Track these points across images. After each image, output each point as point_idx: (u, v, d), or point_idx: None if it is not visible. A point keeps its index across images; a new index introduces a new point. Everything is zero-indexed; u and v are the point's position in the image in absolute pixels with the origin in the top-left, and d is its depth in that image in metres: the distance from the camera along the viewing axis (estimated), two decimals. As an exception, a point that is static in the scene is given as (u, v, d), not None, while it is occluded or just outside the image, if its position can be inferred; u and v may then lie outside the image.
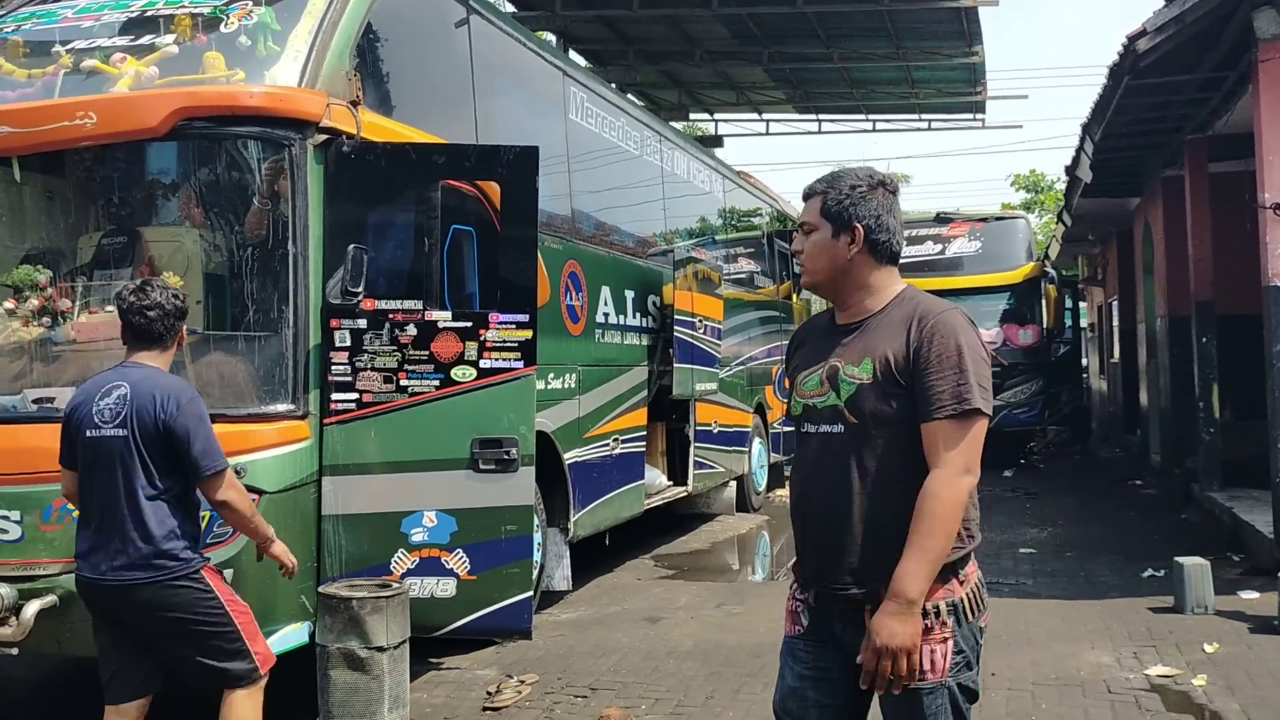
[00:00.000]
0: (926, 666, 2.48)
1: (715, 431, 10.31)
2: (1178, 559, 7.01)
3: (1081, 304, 22.84)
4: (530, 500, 5.55)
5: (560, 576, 7.32)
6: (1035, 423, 16.29)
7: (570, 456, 7.42)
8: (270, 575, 4.74)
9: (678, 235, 10.31)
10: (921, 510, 2.43)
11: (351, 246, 5.22)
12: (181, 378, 4.07)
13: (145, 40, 5.33)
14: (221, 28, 5.31)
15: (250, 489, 3.92)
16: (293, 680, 4.70)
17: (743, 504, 11.71)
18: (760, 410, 12.14)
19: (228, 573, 4.32)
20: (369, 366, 5.29)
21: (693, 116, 20.90)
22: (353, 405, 5.26)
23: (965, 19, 14.01)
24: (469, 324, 5.36)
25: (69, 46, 5.37)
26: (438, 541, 5.35)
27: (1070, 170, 12.05)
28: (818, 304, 13.43)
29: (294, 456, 5.08)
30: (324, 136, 5.21)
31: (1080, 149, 10.56)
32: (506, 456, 5.33)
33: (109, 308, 5.34)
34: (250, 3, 5.35)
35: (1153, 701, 5.23)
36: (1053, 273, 17.18)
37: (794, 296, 14.29)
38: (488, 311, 5.41)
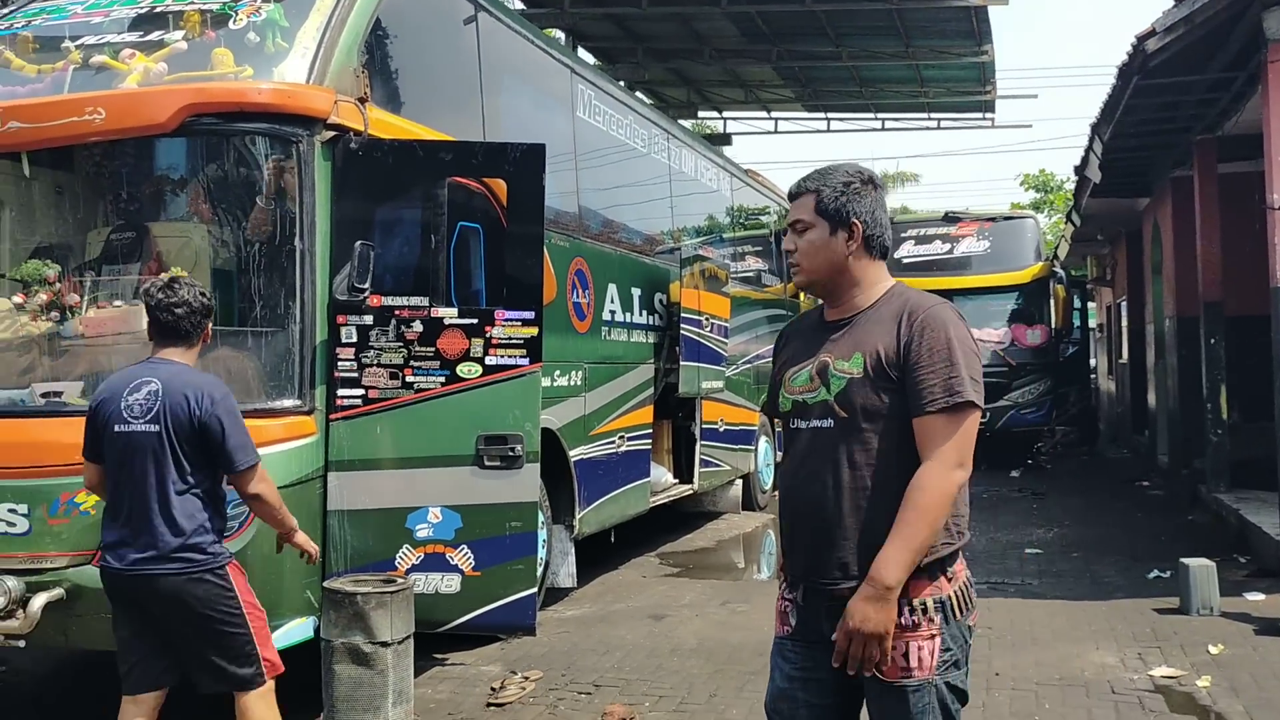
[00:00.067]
0: (914, 664, 2.47)
1: (721, 430, 10.31)
2: (1183, 560, 7.00)
3: (1090, 304, 22.79)
4: (535, 497, 5.56)
5: (565, 573, 7.34)
6: (1043, 423, 16.26)
7: (576, 453, 7.43)
8: (276, 569, 4.77)
9: (685, 233, 10.31)
10: (909, 500, 2.43)
11: (358, 243, 5.24)
12: (211, 374, 4.10)
13: (154, 36, 5.35)
14: (230, 24, 5.33)
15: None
16: (297, 675, 4.71)
17: (748, 502, 11.72)
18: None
19: None
20: (375, 363, 5.30)
21: (701, 114, 20.89)
22: (359, 401, 5.28)
23: (975, 18, 13.98)
24: (475, 321, 5.37)
25: (79, 42, 5.39)
26: (442, 537, 5.36)
27: (1079, 170, 12.01)
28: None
29: (300, 452, 5.10)
30: (331, 133, 5.23)
31: (1089, 149, 10.54)
32: (512, 453, 5.34)
33: (117, 303, 5.37)
34: (259, 0, 5.36)
35: (1156, 702, 5.22)
36: (1061, 273, 17.15)
37: (801, 295, 14.28)
38: (494, 308, 5.42)
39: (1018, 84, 44.06)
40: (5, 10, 5.80)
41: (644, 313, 8.92)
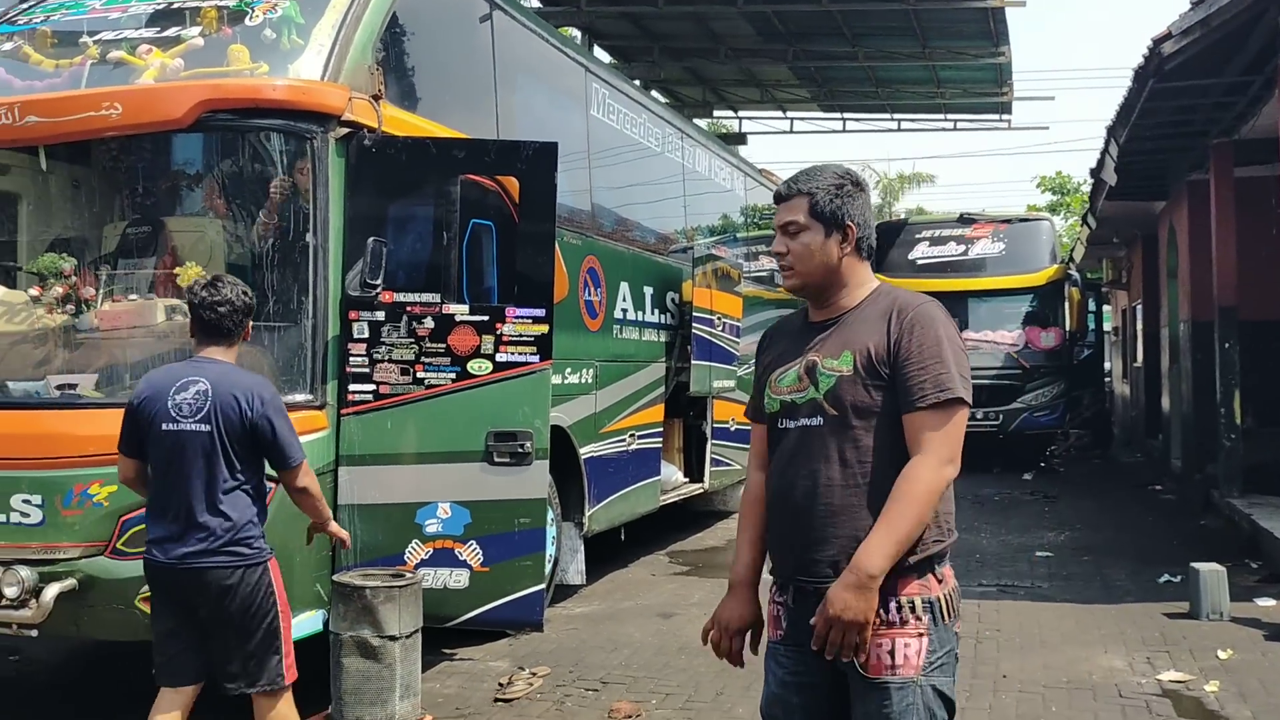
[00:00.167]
0: (899, 661, 2.46)
1: (732, 429, 10.31)
2: (1194, 564, 6.99)
3: (1105, 307, 22.69)
4: (543, 494, 5.59)
5: (574, 570, 7.36)
6: (1056, 426, 16.21)
7: (586, 451, 7.45)
8: (286, 563, 4.79)
9: (698, 232, 10.32)
10: (897, 492, 2.43)
11: (371, 239, 5.27)
12: (256, 374, 4.19)
13: (171, 32, 5.39)
14: (246, 21, 5.36)
15: (266, 478, 3.99)
16: (306, 668, 4.74)
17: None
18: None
19: None
20: (386, 358, 5.34)
21: (717, 113, 20.89)
22: (370, 396, 5.31)
23: (992, 19, 13.94)
24: (486, 318, 5.40)
25: (96, 37, 5.43)
26: (451, 533, 5.39)
27: (1095, 173, 11.99)
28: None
29: (311, 446, 5.09)
30: (346, 130, 5.26)
31: (1105, 152, 10.51)
32: (521, 450, 5.37)
33: (132, 296, 5.41)
34: (275, -4, 5.39)
35: (1164, 707, 5.22)
36: (1076, 275, 17.08)
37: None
38: (504, 305, 5.45)
39: (1035, 85, 43.88)
40: (24, 5, 5.84)
41: (656, 311, 8.93)
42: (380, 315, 5.34)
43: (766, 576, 2.76)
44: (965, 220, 16.49)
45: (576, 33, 15.26)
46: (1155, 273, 16.23)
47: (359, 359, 5.33)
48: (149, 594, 3.98)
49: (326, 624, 4.97)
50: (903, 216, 26.60)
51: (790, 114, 20.09)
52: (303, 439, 5.02)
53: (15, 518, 4.81)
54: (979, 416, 15.16)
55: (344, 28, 5.39)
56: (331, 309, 5.25)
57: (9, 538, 4.80)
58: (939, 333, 2.50)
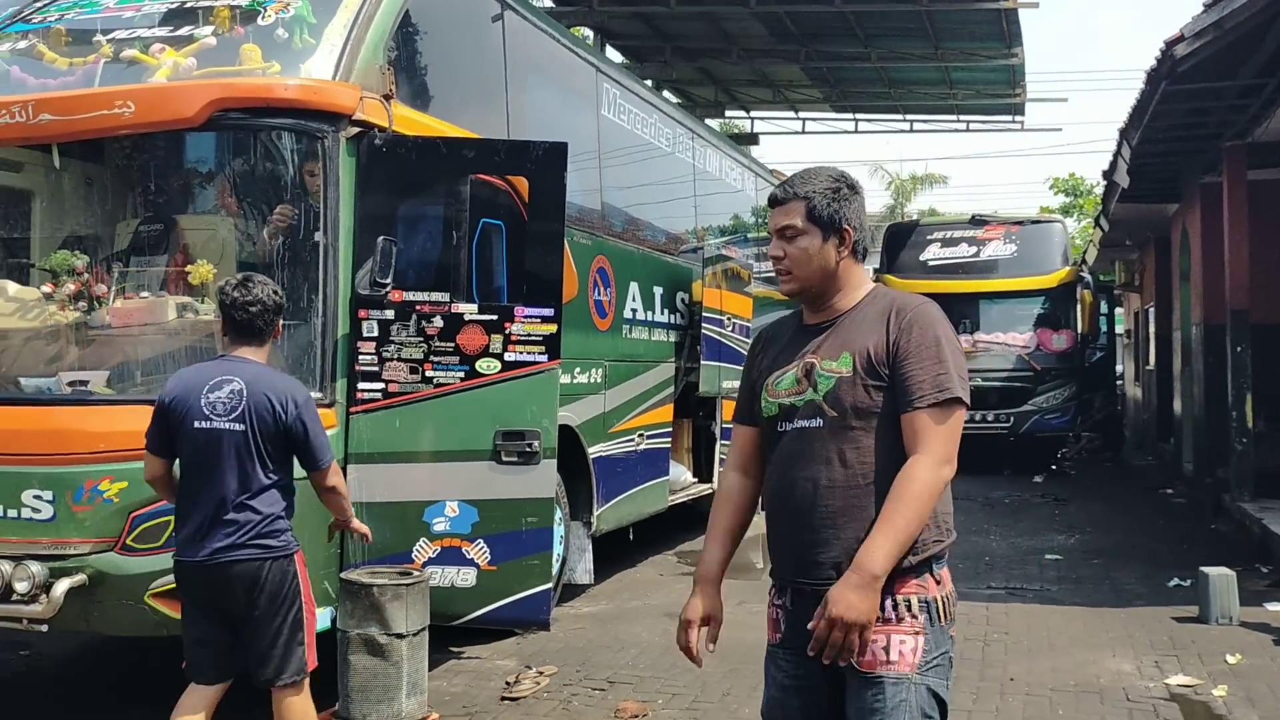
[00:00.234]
0: (894, 657, 2.46)
1: (742, 430, 10.30)
2: (1203, 569, 6.97)
3: (1118, 310, 22.62)
4: (551, 493, 5.60)
5: (582, 570, 7.37)
6: (1067, 429, 16.15)
7: (595, 451, 7.46)
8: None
9: (709, 232, 10.33)
10: (897, 491, 2.42)
11: (381, 238, 5.28)
12: (290, 376, 4.27)
13: (184, 31, 5.41)
14: (259, 20, 5.38)
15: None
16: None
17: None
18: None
19: None
20: (395, 357, 5.35)
21: (729, 114, 20.88)
22: (379, 395, 5.32)
23: (1005, 20, 13.90)
24: (494, 317, 5.41)
25: (110, 36, 5.46)
26: (459, 531, 5.41)
27: (1107, 175, 11.95)
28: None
29: (320, 444, 5.15)
30: (356, 129, 5.27)
31: (1117, 154, 10.48)
32: (529, 449, 5.38)
33: (144, 294, 5.44)
34: (287, -5, 5.41)
35: (1171, 711, 5.21)
36: (1088, 277, 17.02)
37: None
38: (513, 305, 5.46)
39: (1048, 87, 43.91)
40: (39, 3, 5.87)
41: (665, 311, 8.94)
42: (389, 314, 5.36)
43: (767, 579, 2.75)
44: (977, 222, 16.45)
45: (589, 33, 15.27)
46: (1168, 275, 16.17)
47: (368, 357, 5.35)
48: (178, 596, 4.04)
49: (334, 621, 4.99)
50: (915, 218, 26.57)
51: (802, 114, 20.07)
52: (312, 437, 5.09)
53: (26, 513, 4.84)
54: (990, 418, 15.14)
55: (356, 27, 5.41)
56: (341, 307, 5.26)
57: (20, 533, 4.83)
58: (937, 333, 2.51)
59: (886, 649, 2.47)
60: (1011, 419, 15.26)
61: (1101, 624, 6.86)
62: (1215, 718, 5.15)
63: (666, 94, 15.85)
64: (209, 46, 5.29)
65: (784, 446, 2.61)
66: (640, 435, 8.26)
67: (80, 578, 4.73)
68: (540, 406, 5.43)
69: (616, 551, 8.68)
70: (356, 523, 4.29)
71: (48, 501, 4.84)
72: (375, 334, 5.35)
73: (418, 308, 5.38)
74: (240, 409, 3.81)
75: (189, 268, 5.32)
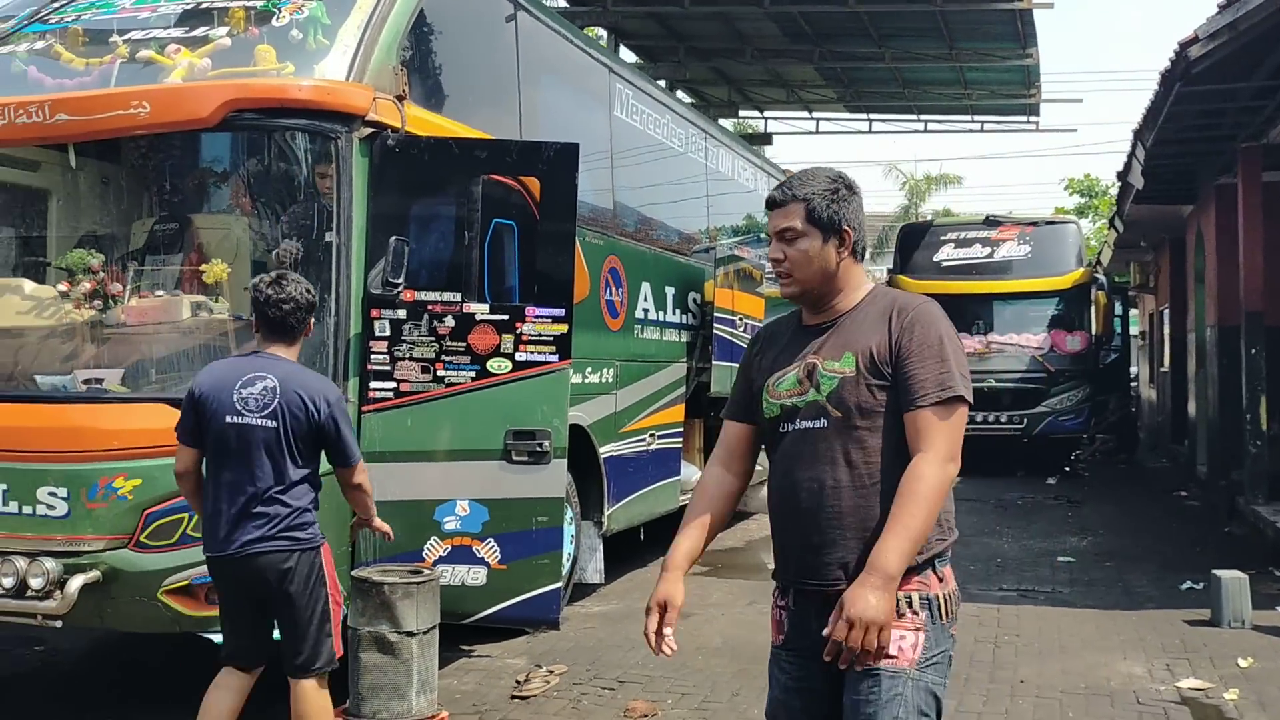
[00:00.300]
0: (894, 652, 2.46)
1: (753, 430, 10.31)
2: (1216, 572, 6.95)
3: (1132, 311, 22.52)
4: (561, 493, 5.62)
5: (593, 569, 7.39)
6: (1081, 430, 16.08)
7: (606, 450, 7.48)
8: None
9: (721, 232, 10.33)
10: (906, 491, 2.42)
11: (393, 238, 5.31)
12: (321, 375, 4.41)
13: (199, 32, 5.44)
14: (273, 21, 5.40)
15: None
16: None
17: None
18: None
19: None
20: (407, 356, 5.38)
21: (742, 114, 20.89)
22: (390, 394, 5.35)
23: (1019, 21, 13.88)
24: (506, 317, 5.43)
25: (126, 37, 5.49)
26: (470, 530, 5.43)
27: (1122, 176, 11.91)
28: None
29: (332, 443, 5.17)
30: (369, 130, 5.30)
31: (1132, 155, 10.45)
32: (539, 449, 5.40)
33: (159, 292, 5.48)
34: (302, -3, 5.44)
35: (1182, 714, 5.20)
36: (1103, 279, 16.95)
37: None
38: (524, 305, 5.48)
39: (1063, 87, 43.75)
40: (56, 4, 5.92)
41: (677, 311, 8.95)
42: (402, 313, 5.38)
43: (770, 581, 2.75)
44: (991, 222, 16.39)
45: (602, 33, 15.29)
46: (1182, 277, 16.10)
47: (380, 357, 5.38)
48: (214, 587, 4.19)
49: (345, 619, 5.02)
50: (929, 218, 26.50)
51: (816, 114, 20.06)
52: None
53: (41, 510, 4.88)
54: (1003, 420, 15.10)
55: (369, 28, 5.43)
56: (354, 307, 5.29)
57: (35, 529, 4.87)
58: (939, 331, 2.52)
59: (887, 644, 2.45)
60: (1025, 420, 15.21)
61: (1113, 626, 6.84)
62: (1226, 721, 5.14)
63: (680, 94, 15.85)
64: (224, 47, 5.33)
65: (786, 448, 2.61)
66: (651, 435, 8.27)
67: (94, 574, 4.77)
68: (551, 406, 5.45)
69: (627, 551, 8.69)
70: (379, 521, 4.38)
71: (62, 498, 4.88)
72: (387, 333, 5.38)
73: (429, 307, 5.41)
74: (273, 406, 3.90)
75: (203, 267, 5.36)
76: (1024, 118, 19.04)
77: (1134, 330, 22.99)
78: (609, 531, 7.55)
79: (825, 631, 2.42)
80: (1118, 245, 17.36)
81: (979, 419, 14.84)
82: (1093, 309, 15.95)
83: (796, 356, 2.62)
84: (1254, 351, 10.23)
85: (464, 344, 5.40)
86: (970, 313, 15.46)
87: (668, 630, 2.64)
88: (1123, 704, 5.35)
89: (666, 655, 2.66)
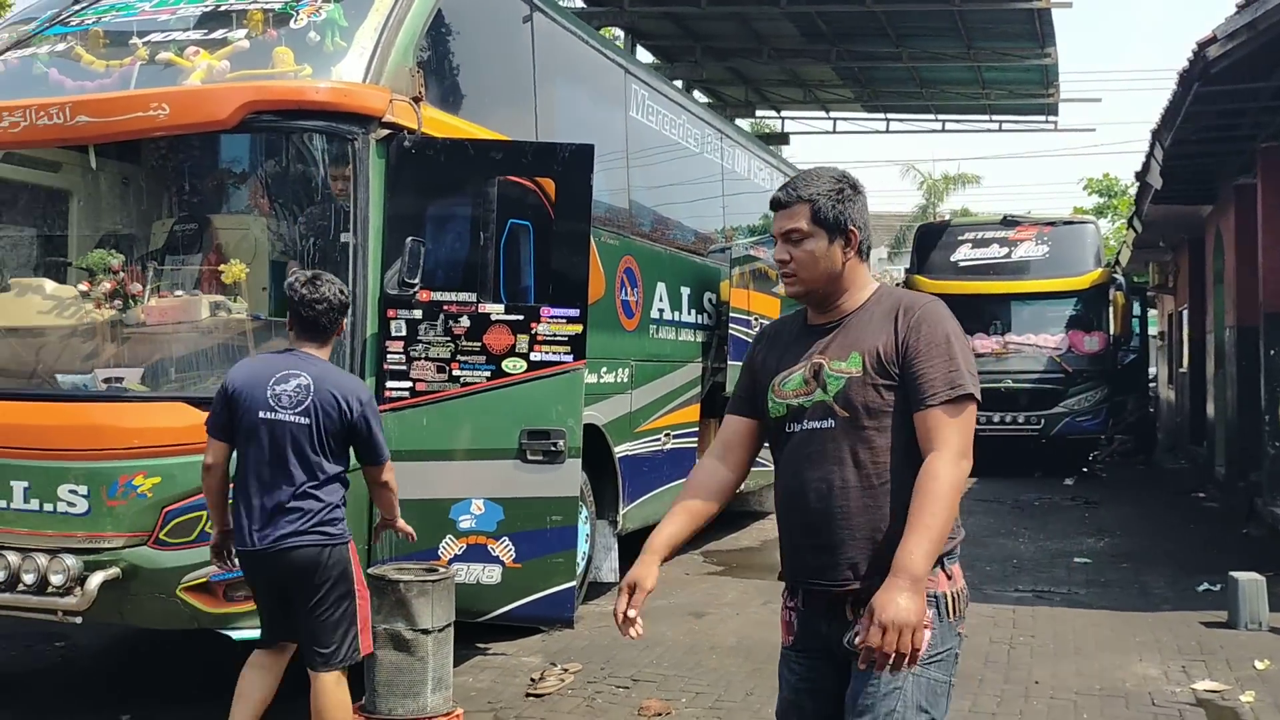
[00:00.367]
0: None
1: (769, 430, 10.31)
2: (1233, 573, 6.92)
3: (1151, 312, 22.40)
4: (575, 492, 5.64)
5: (608, 568, 7.41)
6: (1099, 431, 16.02)
7: (621, 450, 7.50)
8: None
9: (737, 232, 10.34)
10: (923, 490, 2.42)
11: (409, 239, 5.34)
12: (353, 375, 4.57)
13: (218, 34, 5.48)
14: (291, 23, 5.44)
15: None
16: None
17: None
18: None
19: None
20: (423, 356, 5.42)
21: (759, 113, 20.85)
22: (406, 394, 5.39)
23: (1038, 20, 13.81)
24: (521, 317, 5.46)
25: (146, 39, 5.54)
26: (485, 529, 5.47)
27: (1140, 176, 11.85)
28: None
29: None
30: (386, 131, 5.33)
31: (1150, 155, 10.38)
32: (554, 448, 5.42)
33: (178, 292, 5.53)
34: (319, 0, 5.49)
35: (1197, 716, 5.19)
36: (1121, 279, 16.87)
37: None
38: (539, 305, 5.51)
39: (1081, 87, 43.54)
40: (77, 6, 5.97)
41: (693, 311, 8.97)
42: (418, 314, 5.42)
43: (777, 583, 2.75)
44: (1009, 222, 16.34)
45: (619, 33, 15.30)
46: (1202, 277, 16.00)
47: (396, 356, 5.41)
48: (229, 584, 4.39)
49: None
50: (946, 218, 26.41)
51: (833, 114, 20.00)
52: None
53: (62, 507, 4.93)
54: (1020, 420, 15.05)
55: (386, 30, 5.46)
56: (370, 307, 5.33)
57: (56, 526, 4.93)
58: (945, 330, 2.52)
59: None
60: (1042, 421, 15.15)
61: (1129, 628, 6.82)
62: (1241, 724, 5.12)
63: (697, 94, 15.86)
64: (242, 49, 5.36)
65: (793, 448, 2.61)
66: (667, 435, 8.29)
67: (114, 571, 4.83)
68: (565, 406, 5.48)
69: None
70: (402, 522, 4.46)
71: (83, 496, 4.93)
72: (403, 333, 5.42)
73: (445, 307, 5.44)
74: (307, 403, 3.99)
75: (222, 267, 5.41)
76: (1042, 117, 18.95)
77: (1152, 331, 22.86)
78: (624, 531, 7.57)
79: (857, 640, 2.41)
80: (1136, 245, 17.25)
81: (996, 419, 14.81)
82: (1111, 309, 15.88)
83: (802, 356, 2.62)
84: (1273, 352, 10.17)
85: (479, 344, 5.43)
86: (988, 313, 15.42)
87: (632, 612, 2.60)
88: (1138, 706, 5.34)
89: (633, 638, 2.63)
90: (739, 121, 16.67)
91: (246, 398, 4.03)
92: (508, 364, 5.43)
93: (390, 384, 5.41)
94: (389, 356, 5.41)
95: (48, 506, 4.95)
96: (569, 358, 5.46)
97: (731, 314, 9.18)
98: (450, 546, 5.46)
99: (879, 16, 14.14)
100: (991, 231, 16.21)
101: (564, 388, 5.46)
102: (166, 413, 5.03)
